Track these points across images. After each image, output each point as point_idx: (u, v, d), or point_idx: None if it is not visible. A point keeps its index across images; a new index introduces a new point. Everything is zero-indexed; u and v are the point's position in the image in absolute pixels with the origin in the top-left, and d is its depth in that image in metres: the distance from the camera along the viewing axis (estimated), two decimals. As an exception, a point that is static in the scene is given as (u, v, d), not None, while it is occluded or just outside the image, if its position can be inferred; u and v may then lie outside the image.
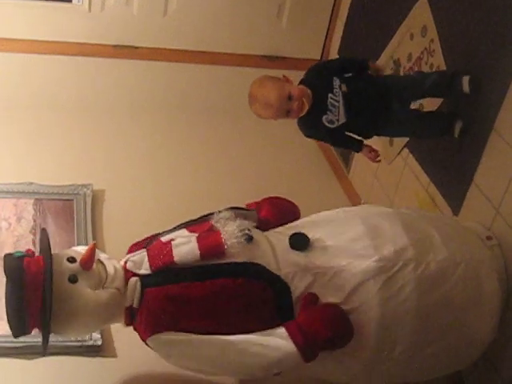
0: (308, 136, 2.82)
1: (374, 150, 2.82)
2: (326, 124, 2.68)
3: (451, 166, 2.91)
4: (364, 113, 2.71)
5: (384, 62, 3.37)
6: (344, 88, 2.66)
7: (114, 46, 4.04)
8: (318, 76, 2.71)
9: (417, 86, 2.78)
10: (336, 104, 2.65)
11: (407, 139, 3.24)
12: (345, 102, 2.65)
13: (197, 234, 2.32)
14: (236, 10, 4.09)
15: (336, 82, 2.66)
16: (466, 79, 2.69)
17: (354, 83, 2.70)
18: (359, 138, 2.82)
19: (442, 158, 2.98)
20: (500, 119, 2.62)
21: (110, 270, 2.29)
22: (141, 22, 4.02)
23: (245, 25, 4.13)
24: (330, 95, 2.65)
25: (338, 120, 2.67)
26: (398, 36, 3.35)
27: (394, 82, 2.80)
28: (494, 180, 2.64)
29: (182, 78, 4.25)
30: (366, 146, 2.82)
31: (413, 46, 3.21)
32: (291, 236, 2.34)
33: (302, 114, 2.62)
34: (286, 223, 2.50)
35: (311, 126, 2.73)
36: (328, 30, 4.25)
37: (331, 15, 4.22)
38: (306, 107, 2.61)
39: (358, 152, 2.87)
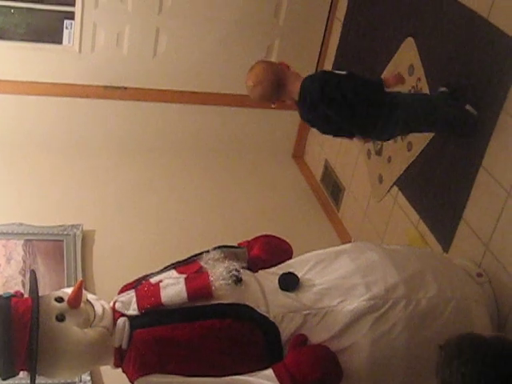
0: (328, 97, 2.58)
1: (396, 77, 2.78)
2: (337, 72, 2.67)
3: (440, 203, 2.93)
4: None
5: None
6: None
7: (105, 87, 4.07)
8: None
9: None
10: None
11: (396, 177, 3.26)
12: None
13: (185, 276, 2.31)
14: (225, 51, 4.14)
15: None
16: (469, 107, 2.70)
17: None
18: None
19: (431, 195, 3.00)
20: (488, 156, 2.64)
21: (98, 309, 2.26)
22: (131, 63, 4.05)
23: (234, 65, 4.16)
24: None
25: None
26: (385, 75, 3.37)
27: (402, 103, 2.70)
28: (483, 216, 2.65)
29: (173, 119, 4.28)
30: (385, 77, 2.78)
31: (400, 84, 3.24)
32: (281, 276, 2.33)
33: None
34: (279, 262, 2.48)
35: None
36: (316, 69, 4.29)
37: (319, 55, 4.27)
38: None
39: (381, 83, 2.69)
